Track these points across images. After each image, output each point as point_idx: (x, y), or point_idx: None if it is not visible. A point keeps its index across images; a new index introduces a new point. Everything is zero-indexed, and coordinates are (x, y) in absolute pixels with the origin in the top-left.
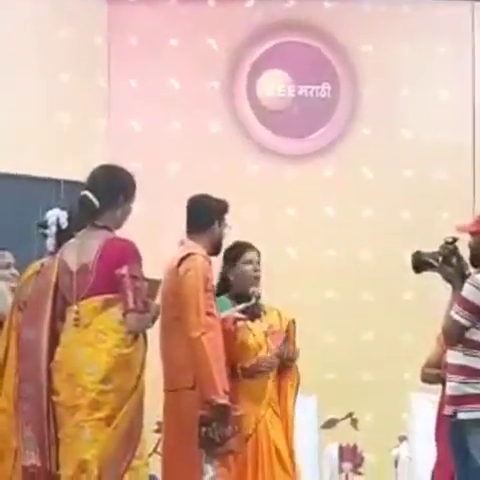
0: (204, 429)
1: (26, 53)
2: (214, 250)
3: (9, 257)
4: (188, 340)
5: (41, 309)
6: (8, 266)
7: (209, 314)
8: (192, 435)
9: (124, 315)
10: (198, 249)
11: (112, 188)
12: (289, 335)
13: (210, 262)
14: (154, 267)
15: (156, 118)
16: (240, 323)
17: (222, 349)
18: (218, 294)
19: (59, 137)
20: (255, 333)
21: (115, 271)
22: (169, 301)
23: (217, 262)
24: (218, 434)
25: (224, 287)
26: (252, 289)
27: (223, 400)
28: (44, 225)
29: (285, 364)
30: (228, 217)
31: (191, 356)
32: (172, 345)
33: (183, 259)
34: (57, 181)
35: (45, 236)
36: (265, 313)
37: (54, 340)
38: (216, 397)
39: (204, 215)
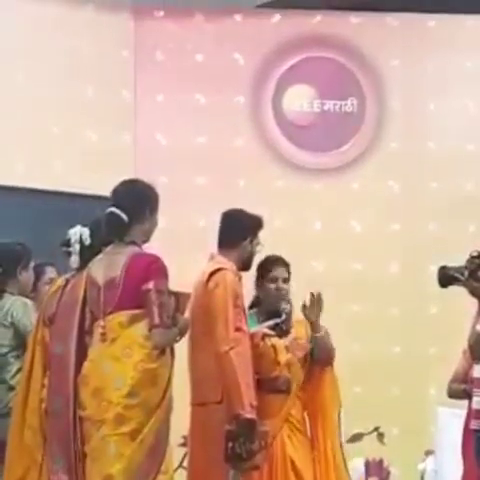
0: (231, 444)
1: (52, 67)
2: (244, 266)
3: (51, 272)
4: (216, 354)
5: (69, 324)
6: (50, 282)
7: (238, 329)
8: (219, 449)
9: (150, 330)
10: (228, 264)
11: (138, 203)
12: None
13: (240, 278)
14: (180, 281)
15: (182, 133)
16: (267, 339)
17: (250, 364)
18: (250, 308)
19: (85, 151)
20: (278, 349)
21: (141, 286)
22: (198, 315)
23: (249, 277)
24: (245, 449)
25: (255, 302)
26: (283, 306)
27: (250, 415)
28: (67, 243)
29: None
30: (261, 234)
31: (219, 370)
32: (200, 359)
33: (212, 274)
34: (85, 196)
35: (69, 254)
36: (292, 327)
37: (82, 355)
38: (243, 412)
39: (236, 230)
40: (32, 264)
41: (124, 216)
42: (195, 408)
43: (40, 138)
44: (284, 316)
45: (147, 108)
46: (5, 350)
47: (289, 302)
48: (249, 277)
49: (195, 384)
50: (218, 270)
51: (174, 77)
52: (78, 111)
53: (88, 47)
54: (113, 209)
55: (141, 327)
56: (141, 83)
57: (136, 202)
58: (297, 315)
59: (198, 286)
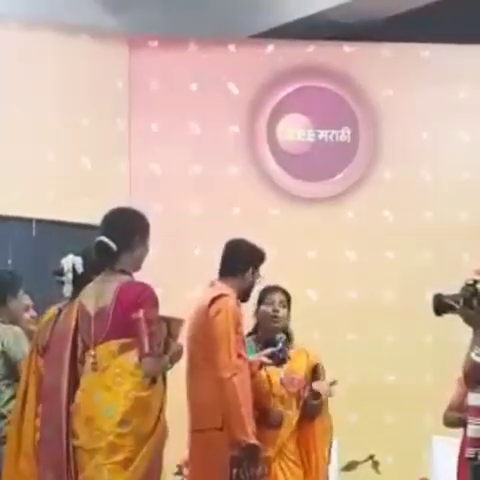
0: (235, 470)
1: (47, 96)
2: (242, 297)
3: (27, 300)
4: (218, 381)
5: (62, 353)
6: (27, 309)
7: (239, 356)
8: (220, 476)
9: (140, 359)
10: (229, 290)
11: (128, 231)
12: (317, 377)
13: (240, 306)
14: (174, 310)
15: (177, 162)
16: (263, 369)
17: (250, 391)
18: (248, 335)
19: (80, 181)
20: (272, 382)
21: (131, 315)
22: (198, 341)
23: (248, 306)
24: (249, 475)
25: (253, 330)
26: (279, 335)
27: (253, 441)
28: (60, 272)
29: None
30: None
31: (220, 397)
32: (200, 385)
33: (214, 300)
34: (80, 225)
35: (62, 283)
36: (290, 358)
37: (75, 384)
38: (246, 438)
39: (240, 260)
40: (21, 292)
41: (113, 245)
42: (194, 434)
43: (35, 166)
44: (280, 345)
45: (141, 137)
46: None
47: (280, 324)
48: (248, 306)
49: (194, 410)
50: (220, 296)
51: (168, 106)
52: (73, 140)
53: (83, 76)
54: (102, 238)
55: (132, 356)
56: (135, 112)
57: (125, 230)
58: (296, 345)
59: (198, 311)
